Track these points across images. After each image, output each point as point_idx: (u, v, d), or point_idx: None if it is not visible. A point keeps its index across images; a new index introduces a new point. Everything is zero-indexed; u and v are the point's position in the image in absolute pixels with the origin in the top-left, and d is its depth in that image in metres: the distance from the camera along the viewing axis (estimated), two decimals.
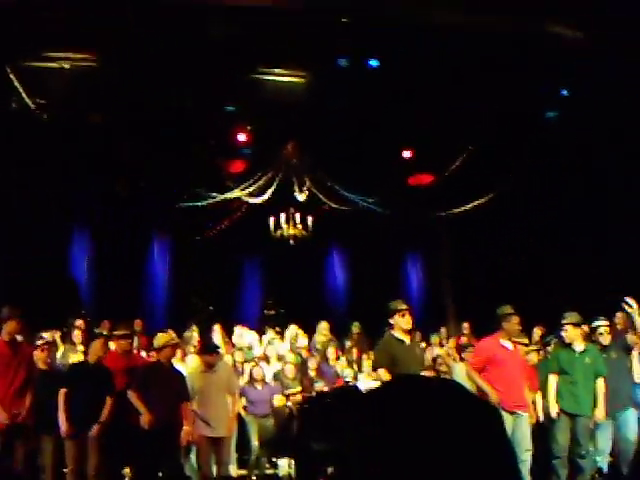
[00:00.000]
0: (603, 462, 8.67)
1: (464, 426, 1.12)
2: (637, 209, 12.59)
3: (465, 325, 12.57)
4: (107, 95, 11.89)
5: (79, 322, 11.03)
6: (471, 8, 10.84)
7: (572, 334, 8.64)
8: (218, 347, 9.52)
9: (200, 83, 11.83)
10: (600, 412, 8.47)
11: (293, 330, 12.72)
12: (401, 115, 12.74)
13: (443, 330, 13.41)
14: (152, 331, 11.76)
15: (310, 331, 12.76)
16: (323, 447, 9.21)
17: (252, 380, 10.64)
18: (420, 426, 1.11)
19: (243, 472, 10.52)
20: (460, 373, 10.06)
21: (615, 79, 11.53)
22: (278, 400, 10.58)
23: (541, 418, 8.85)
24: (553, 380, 8.64)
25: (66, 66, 11.67)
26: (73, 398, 8.09)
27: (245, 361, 11.30)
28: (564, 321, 8.71)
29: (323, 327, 12.66)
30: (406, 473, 1.08)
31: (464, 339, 12.72)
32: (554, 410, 8.51)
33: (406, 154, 14.33)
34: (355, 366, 12.13)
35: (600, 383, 8.55)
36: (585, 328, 9.05)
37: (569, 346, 8.68)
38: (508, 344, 8.32)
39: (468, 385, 9.60)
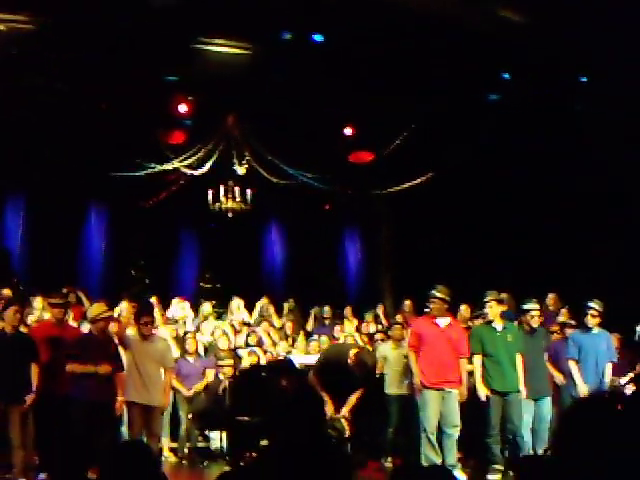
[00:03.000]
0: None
1: None
2: (575, 188, 12.81)
3: (407, 302, 12.67)
4: (44, 60, 11.61)
5: (5, 291, 10.83)
6: None
7: (495, 311, 8.74)
8: (152, 311, 9.43)
9: (141, 51, 11.62)
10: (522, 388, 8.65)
11: (236, 302, 12.71)
12: (343, 92, 12.73)
13: (379, 308, 13.52)
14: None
15: (247, 306, 12.76)
16: (254, 420, 9.26)
17: (185, 352, 10.64)
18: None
19: (174, 445, 10.52)
20: (385, 352, 10.17)
21: (555, 62, 11.69)
22: (210, 373, 10.59)
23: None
24: (478, 360, 8.70)
25: (1, 28, 11.35)
26: None
27: (182, 335, 11.24)
28: (487, 298, 8.84)
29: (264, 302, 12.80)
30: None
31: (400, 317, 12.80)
32: (483, 393, 8.58)
33: (347, 131, 14.33)
34: (290, 340, 12.20)
35: (519, 359, 8.68)
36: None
37: (490, 324, 8.79)
38: (441, 322, 8.50)
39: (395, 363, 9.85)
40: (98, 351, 8.22)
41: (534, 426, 8.78)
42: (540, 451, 8.33)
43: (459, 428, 8.36)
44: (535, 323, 9.01)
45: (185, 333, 11.20)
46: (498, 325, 8.74)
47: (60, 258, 13.78)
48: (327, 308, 13.23)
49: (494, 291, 8.93)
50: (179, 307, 12.27)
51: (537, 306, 9.11)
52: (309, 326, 13.26)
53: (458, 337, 8.65)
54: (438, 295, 8.48)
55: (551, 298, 11.46)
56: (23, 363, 8.17)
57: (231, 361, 10.60)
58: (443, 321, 8.54)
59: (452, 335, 8.55)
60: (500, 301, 8.85)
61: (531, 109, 12.71)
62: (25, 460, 8.17)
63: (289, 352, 11.63)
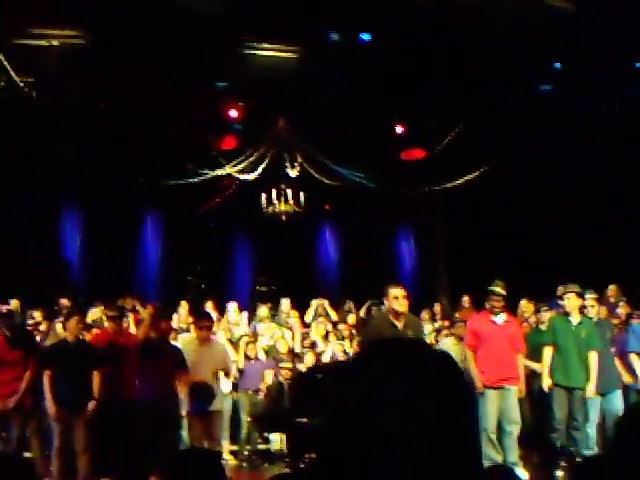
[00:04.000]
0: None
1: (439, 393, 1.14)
2: (629, 186, 12.61)
3: (465, 299, 12.53)
4: (96, 73, 11.81)
5: (64, 301, 11.05)
6: None
7: (573, 304, 8.58)
8: (211, 316, 9.52)
9: (190, 58, 11.75)
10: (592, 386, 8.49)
11: (287, 305, 12.74)
12: (393, 90, 12.67)
13: (437, 306, 13.40)
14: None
15: (302, 307, 12.77)
16: (314, 422, 9.26)
17: (246, 356, 10.74)
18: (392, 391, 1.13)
19: (235, 447, 10.59)
20: (446, 347, 10.07)
21: (605, 51, 11.46)
22: (269, 375, 10.64)
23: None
24: (548, 351, 8.60)
25: (55, 43, 11.58)
26: (56, 379, 8.15)
27: (238, 339, 11.31)
28: (566, 290, 8.68)
29: (316, 304, 12.77)
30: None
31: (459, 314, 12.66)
32: (546, 384, 8.50)
33: (398, 129, 14.26)
34: (348, 342, 12.17)
35: (592, 356, 8.53)
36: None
37: (567, 316, 8.65)
38: (498, 319, 8.40)
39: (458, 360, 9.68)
40: (161, 352, 8.34)
41: (606, 422, 8.61)
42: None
43: (519, 425, 8.25)
44: (592, 313, 8.82)
45: (240, 337, 11.25)
46: (575, 319, 8.61)
47: (118, 267, 13.98)
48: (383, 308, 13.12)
49: (574, 284, 8.74)
50: (235, 311, 12.33)
51: (594, 295, 8.93)
52: None
53: (515, 333, 8.55)
54: (497, 291, 8.37)
55: (612, 289, 11.23)
56: (86, 372, 8.32)
57: (290, 363, 10.64)
58: (500, 318, 8.43)
59: (509, 331, 8.44)
60: (579, 294, 8.65)
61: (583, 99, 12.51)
62: (89, 466, 8.31)
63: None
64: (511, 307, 9.48)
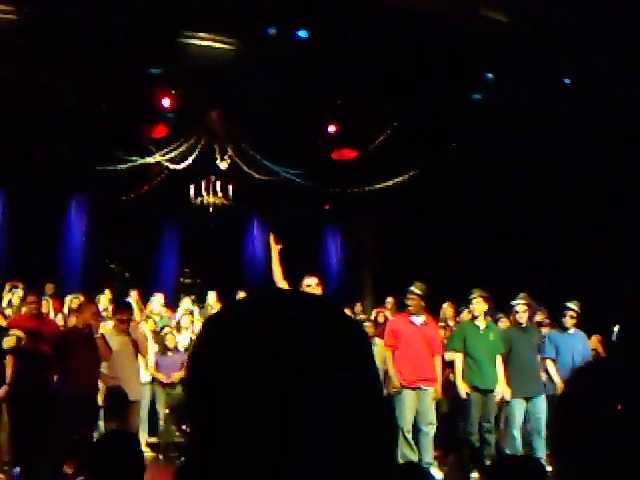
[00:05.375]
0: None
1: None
2: (575, 188, 12.82)
3: (389, 300, 12.66)
4: (25, 52, 11.52)
5: None
6: None
7: (479, 308, 8.76)
8: (130, 307, 9.40)
9: (124, 44, 11.55)
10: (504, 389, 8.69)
11: (213, 297, 12.67)
12: (328, 88, 12.72)
13: (358, 305, 13.53)
14: (65, 294, 11.67)
15: (228, 300, 12.71)
16: None
17: (165, 348, 10.65)
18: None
19: (153, 440, 10.50)
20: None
21: (539, 63, 11.73)
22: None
23: None
24: (459, 358, 8.75)
25: None
26: None
27: (159, 330, 11.20)
28: (473, 295, 8.88)
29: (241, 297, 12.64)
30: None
31: (385, 314, 12.73)
32: (463, 390, 8.62)
33: (331, 128, 14.32)
34: None
35: (499, 360, 8.72)
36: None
37: (474, 321, 8.84)
38: (417, 320, 8.54)
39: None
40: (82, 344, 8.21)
41: (529, 425, 8.79)
42: (541, 452, 8.35)
43: (435, 426, 8.41)
44: (523, 319, 9.02)
45: (162, 328, 11.15)
46: (481, 323, 8.78)
47: (40, 251, 13.68)
48: None
49: (479, 288, 8.92)
50: (159, 303, 12.23)
51: (525, 301, 9.09)
52: None
53: (433, 335, 8.72)
54: (415, 291, 8.52)
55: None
56: None
57: None
58: (419, 319, 8.58)
59: (428, 333, 8.59)
60: (486, 298, 8.84)
61: (513, 110, 12.75)
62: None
63: None
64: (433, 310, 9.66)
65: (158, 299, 11.99)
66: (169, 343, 10.68)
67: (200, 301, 13.07)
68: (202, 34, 12.24)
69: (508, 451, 8.53)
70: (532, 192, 13.40)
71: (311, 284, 7.26)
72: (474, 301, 8.82)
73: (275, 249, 7.27)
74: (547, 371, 9.18)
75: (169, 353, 10.63)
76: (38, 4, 10.97)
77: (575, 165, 12.57)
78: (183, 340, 11.11)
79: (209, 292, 12.68)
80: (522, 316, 9.00)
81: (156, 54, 12.06)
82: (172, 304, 12.63)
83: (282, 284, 7.12)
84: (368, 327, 10.44)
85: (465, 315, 9.84)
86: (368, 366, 0.93)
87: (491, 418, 8.60)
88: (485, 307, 8.82)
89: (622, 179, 12.45)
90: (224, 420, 0.87)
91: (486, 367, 8.65)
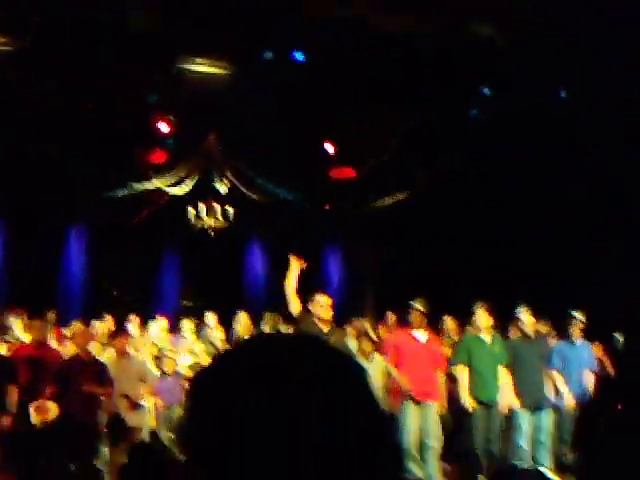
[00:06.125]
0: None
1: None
2: (566, 196, 12.88)
3: (390, 315, 12.64)
4: (24, 81, 11.62)
5: None
6: (393, 6, 11.01)
7: (485, 320, 8.74)
8: (127, 332, 9.42)
9: (122, 71, 11.66)
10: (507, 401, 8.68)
11: (212, 319, 12.63)
12: (325, 109, 12.81)
13: (356, 321, 13.49)
14: (67, 322, 11.65)
15: (228, 323, 12.69)
16: None
17: (163, 372, 10.62)
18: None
19: None
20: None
21: (528, 72, 11.84)
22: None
23: None
24: (463, 371, 8.71)
25: None
26: None
27: (157, 355, 11.16)
28: (475, 308, 8.86)
29: (242, 318, 12.60)
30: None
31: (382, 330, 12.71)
32: (469, 404, 8.57)
33: (329, 148, 14.39)
34: None
35: (504, 372, 8.72)
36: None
37: (479, 335, 8.83)
38: (420, 335, 8.55)
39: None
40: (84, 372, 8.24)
41: (536, 437, 8.78)
42: (545, 463, 8.35)
43: (441, 440, 8.40)
44: (529, 329, 8.99)
45: (161, 352, 11.11)
46: (487, 336, 8.76)
47: (40, 279, 13.69)
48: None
49: (482, 301, 8.91)
50: (160, 327, 12.18)
51: (529, 311, 9.08)
52: None
53: (436, 349, 8.73)
54: (416, 306, 8.53)
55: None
56: (1, 386, 8.12)
57: None
58: (421, 334, 8.58)
59: (431, 347, 8.60)
60: (490, 311, 8.84)
61: (510, 124, 12.85)
62: None
63: None
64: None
65: (158, 323, 11.96)
66: (168, 368, 10.65)
67: (201, 324, 13.02)
68: (198, 59, 12.35)
69: (514, 462, 8.51)
70: (522, 200, 13.46)
71: (324, 304, 7.20)
72: (477, 314, 8.82)
73: (297, 266, 7.15)
74: (554, 383, 9.17)
75: (168, 378, 10.60)
76: (33, 34, 11.05)
77: (566, 173, 12.65)
78: (184, 363, 11.08)
79: (207, 313, 12.62)
80: (528, 326, 8.98)
81: (153, 81, 12.17)
82: (174, 328, 12.59)
83: (294, 302, 7.08)
84: (365, 344, 10.35)
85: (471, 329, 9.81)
86: (366, 400, 0.95)
87: (495, 430, 8.59)
88: (490, 321, 8.80)
89: (613, 185, 12.53)
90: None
91: (491, 380, 8.64)
